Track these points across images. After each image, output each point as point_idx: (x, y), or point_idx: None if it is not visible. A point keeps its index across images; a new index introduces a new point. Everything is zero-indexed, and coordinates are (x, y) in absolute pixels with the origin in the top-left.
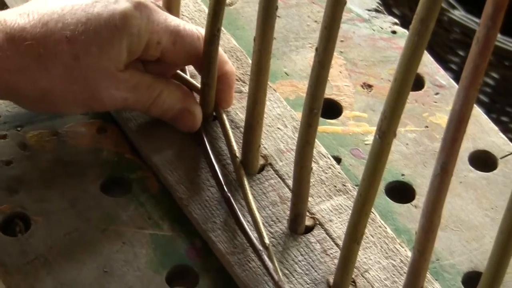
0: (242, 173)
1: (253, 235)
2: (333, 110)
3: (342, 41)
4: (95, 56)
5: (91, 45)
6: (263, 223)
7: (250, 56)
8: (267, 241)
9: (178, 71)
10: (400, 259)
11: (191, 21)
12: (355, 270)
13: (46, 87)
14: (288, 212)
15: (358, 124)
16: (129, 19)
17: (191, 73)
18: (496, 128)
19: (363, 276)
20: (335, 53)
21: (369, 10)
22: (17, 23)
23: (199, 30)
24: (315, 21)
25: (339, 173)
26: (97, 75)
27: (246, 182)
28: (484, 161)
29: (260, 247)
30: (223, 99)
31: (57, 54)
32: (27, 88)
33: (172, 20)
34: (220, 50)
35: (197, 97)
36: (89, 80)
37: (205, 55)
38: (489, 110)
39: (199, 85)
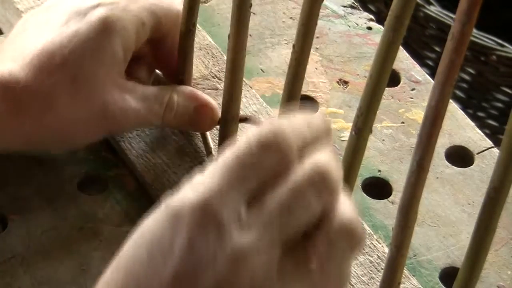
0: None
1: None
2: (309, 106)
3: (317, 37)
4: (91, 71)
5: (83, 58)
6: None
7: (225, 53)
8: None
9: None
10: (377, 255)
11: None
12: None
13: (53, 123)
14: None
15: (334, 120)
16: (108, 20)
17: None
18: (472, 123)
19: None
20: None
21: (344, 7)
22: (7, 69)
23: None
24: (291, 18)
25: None
26: (100, 88)
27: None
28: (460, 156)
29: None
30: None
31: (53, 84)
32: (34, 130)
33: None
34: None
35: None
36: (95, 98)
37: (181, 50)
38: (465, 106)
39: None
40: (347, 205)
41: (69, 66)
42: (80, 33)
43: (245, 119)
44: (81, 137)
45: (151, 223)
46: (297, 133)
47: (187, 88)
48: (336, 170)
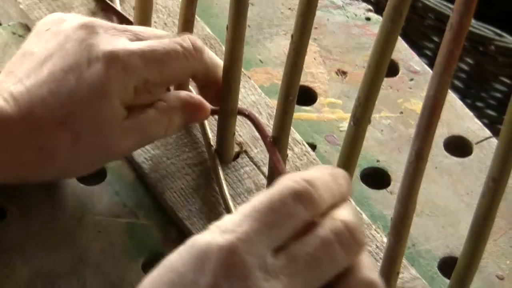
0: (216, 162)
1: None
2: (307, 97)
3: (316, 28)
4: (91, 123)
5: (83, 118)
6: None
7: (224, 43)
8: None
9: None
10: (376, 245)
11: (164, 9)
12: None
13: (57, 172)
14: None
15: (332, 110)
16: (107, 81)
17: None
18: (471, 113)
19: None
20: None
21: None
22: (5, 111)
23: (184, 45)
24: (289, 9)
25: (314, 159)
26: (102, 138)
27: (220, 171)
28: (459, 146)
29: None
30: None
31: (56, 143)
32: (35, 178)
33: (147, 46)
34: (217, 59)
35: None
36: (97, 148)
37: None
38: (464, 96)
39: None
40: (369, 262)
41: (70, 126)
42: (80, 94)
43: (243, 113)
44: (82, 172)
45: (175, 259)
46: (326, 187)
47: (180, 100)
48: (361, 227)
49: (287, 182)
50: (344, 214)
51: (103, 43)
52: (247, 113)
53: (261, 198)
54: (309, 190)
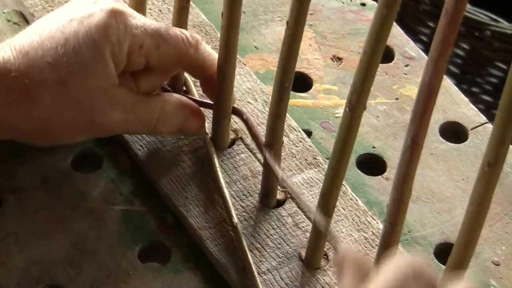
0: (212, 149)
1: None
2: (303, 83)
3: (311, 14)
4: (81, 76)
5: (75, 66)
6: (234, 198)
7: (219, 30)
8: (235, 219)
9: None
10: (372, 231)
11: (161, 1)
12: (327, 243)
13: (40, 119)
14: (259, 186)
15: (328, 97)
16: (106, 30)
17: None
18: (466, 99)
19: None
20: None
21: None
22: (0, 56)
23: (184, 32)
24: None
25: (310, 146)
26: (90, 96)
27: (215, 158)
28: (454, 132)
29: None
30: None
31: (42, 82)
32: (21, 123)
33: (151, 23)
34: (215, 53)
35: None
36: (83, 103)
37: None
38: (459, 81)
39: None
40: None
41: (60, 68)
42: (77, 37)
43: (241, 117)
44: (67, 137)
45: None
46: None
47: (177, 98)
48: None
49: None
50: None
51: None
52: (244, 118)
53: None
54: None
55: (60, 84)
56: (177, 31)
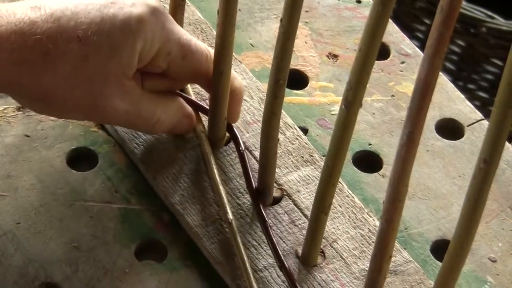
0: (208, 147)
1: (217, 209)
2: (299, 80)
3: (307, 11)
4: (105, 59)
5: (103, 47)
6: (230, 195)
7: (215, 28)
8: (230, 216)
9: (185, 95)
10: (368, 228)
11: None
12: (323, 240)
13: (49, 86)
14: (256, 183)
15: (324, 94)
16: (144, 24)
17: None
18: (462, 96)
19: (331, 246)
20: (300, 24)
21: None
22: (27, 17)
23: (209, 49)
24: None
25: (306, 143)
26: (104, 80)
27: (211, 156)
28: (451, 129)
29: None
30: (229, 115)
31: (66, 52)
32: (29, 84)
33: (184, 33)
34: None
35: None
36: (94, 85)
37: None
38: (455, 78)
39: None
40: None
41: (88, 44)
42: (114, 21)
43: (238, 148)
44: (65, 112)
45: None
46: None
47: (178, 99)
48: None
49: None
50: None
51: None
52: (241, 151)
53: None
54: None
55: (82, 59)
56: (202, 46)
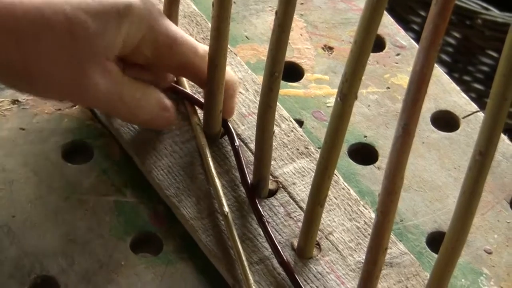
0: (203, 140)
1: (213, 202)
2: (294, 73)
3: (302, 3)
4: (91, 38)
5: (90, 27)
6: (226, 187)
7: (210, 20)
8: (226, 209)
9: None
10: (364, 221)
11: None
12: (319, 232)
13: (31, 58)
14: (251, 176)
15: (319, 86)
16: (132, 9)
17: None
18: (457, 88)
19: (327, 239)
20: (295, 16)
21: None
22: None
23: (201, 46)
24: None
25: (301, 136)
26: (88, 58)
27: (207, 149)
28: (446, 121)
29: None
30: (224, 109)
31: (54, 27)
32: (11, 55)
33: (172, 25)
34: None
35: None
36: (78, 63)
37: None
38: (451, 70)
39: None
40: None
41: (76, 22)
42: (102, 2)
43: (233, 145)
44: (49, 88)
45: None
46: None
47: (157, 90)
48: None
49: None
50: None
51: None
52: (236, 147)
53: None
54: None
55: (68, 35)
56: (189, 39)
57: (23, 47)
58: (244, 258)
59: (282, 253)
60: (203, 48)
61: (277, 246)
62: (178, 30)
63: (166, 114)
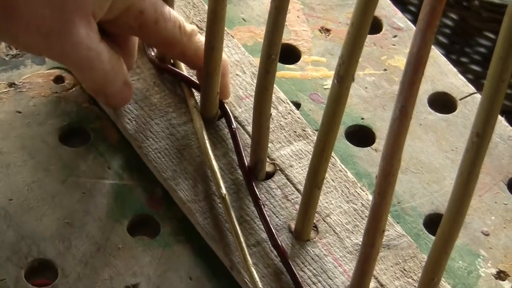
0: (200, 122)
1: (213, 182)
2: (291, 55)
3: None
4: None
5: None
6: (223, 170)
7: (206, 2)
8: (223, 191)
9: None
10: (361, 203)
11: None
12: (316, 215)
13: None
14: (248, 159)
15: (316, 68)
16: None
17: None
18: (454, 69)
19: (324, 221)
20: None
21: None
22: None
23: (189, 25)
24: None
25: (298, 118)
26: (76, 8)
27: (204, 131)
28: (443, 103)
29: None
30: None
31: None
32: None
33: (163, 3)
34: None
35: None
36: (66, 9)
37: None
38: (448, 51)
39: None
40: None
41: None
42: None
43: (231, 131)
44: (27, 31)
45: None
46: None
47: (125, 68)
48: None
49: None
50: None
51: None
52: (233, 129)
53: None
54: None
55: None
56: (176, 16)
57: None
58: (242, 240)
59: (276, 236)
60: (191, 27)
61: (271, 229)
62: (167, 7)
63: (128, 91)
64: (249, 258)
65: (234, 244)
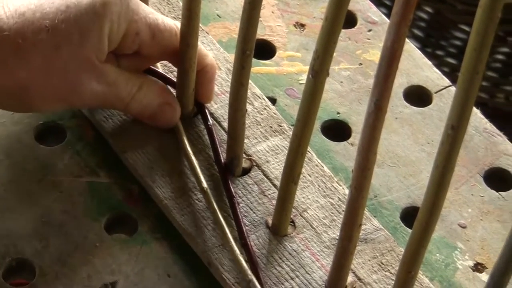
0: None
1: (190, 179)
2: (266, 50)
3: None
4: (76, 45)
5: (73, 33)
6: (199, 167)
7: None
8: (205, 185)
9: (153, 67)
10: (338, 197)
11: None
12: (293, 210)
13: (24, 80)
14: (224, 155)
15: (292, 63)
16: (109, 6)
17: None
18: (429, 62)
19: (301, 216)
20: None
21: None
22: None
23: (177, 25)
24: None
25: (274, 113)
26: (79, 66)
27: (181, 128)
28: (419, 96)
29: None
30: (203, 93)
31: (36, 44)
32: (4, 82)
33: (151, 12)
34: (200, 44)
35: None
36: (70, 72)
37: None
38: (424, 45)
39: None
40: None
41: (57, 33)
42: (80, 6)
43: (206, 122)
44: (44, 104)
45: None
46: None
47: (158, 83)
48: None
49: None
50: None
51: None
52: (210, 126)
53: None
54: None
55: (54, 48)
56: (171, 23)
57: (13, 72)
58: (227, 230)
59: (246, 235)
60: (179, 26)
61: (242, 227)
62: (157, 16)
63: (168, 109)
64: (236, 249)
65: (211, 240)
